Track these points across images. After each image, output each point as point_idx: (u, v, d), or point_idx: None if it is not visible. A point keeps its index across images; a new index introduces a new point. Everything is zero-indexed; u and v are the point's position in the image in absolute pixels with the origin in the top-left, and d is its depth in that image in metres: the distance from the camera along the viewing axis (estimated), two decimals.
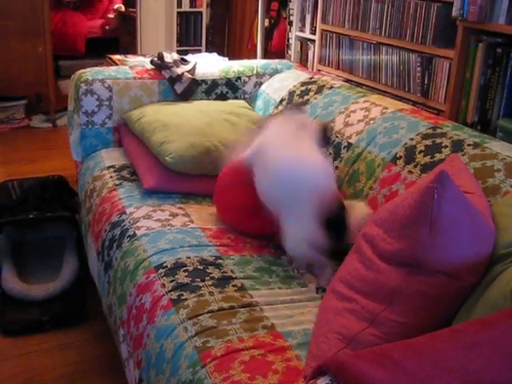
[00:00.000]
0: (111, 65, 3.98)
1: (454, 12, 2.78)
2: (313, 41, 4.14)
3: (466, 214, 1.32)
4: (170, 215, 2.16)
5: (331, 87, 2.63)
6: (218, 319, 1.57)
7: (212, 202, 2.29)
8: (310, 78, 2.82)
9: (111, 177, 2.49)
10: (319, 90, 2.65)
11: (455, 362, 0.93)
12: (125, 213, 2.19)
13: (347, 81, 3.52)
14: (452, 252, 1.30)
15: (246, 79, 3.04)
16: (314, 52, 4.13)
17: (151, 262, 1.86)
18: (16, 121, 5.04)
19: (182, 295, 1.67)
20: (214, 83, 2.97)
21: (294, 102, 2.62)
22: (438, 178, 1.29)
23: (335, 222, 1.86)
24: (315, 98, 2.60)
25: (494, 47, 2.65)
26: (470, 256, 1.31)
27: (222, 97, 2.98)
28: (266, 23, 4.86)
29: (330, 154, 2.27)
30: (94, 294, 2.42)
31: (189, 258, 1.86)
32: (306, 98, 2.65)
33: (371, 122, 2.23)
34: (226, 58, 3.87)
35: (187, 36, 5.56)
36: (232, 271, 1.82)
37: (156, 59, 2.94)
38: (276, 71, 3.08)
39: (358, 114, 2.33)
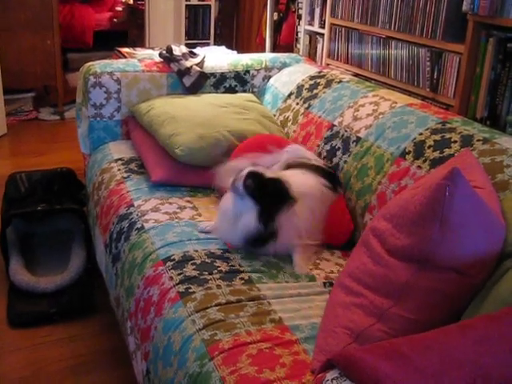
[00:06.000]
0: (120, 57, 3.98)
1: (465, 6, 2.77)
2: (322, 35, 4.13)
3: (477, 212, 1.31)
4: (177, 208, 2.16)
5: (340, 81, 2.62)
6: (226, 312, 1.57)
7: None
8: (319, 72, 2.81)
9: (119, 169, 2.50)
10: (328, 84, 2.64)
11: (464, 356, 0.93)
12: (133, 205, 2.19)
13: (356, 75, 3.51)
14: (462, 249, 1.29)
15: (255, 73, 3.03)
16: (322, 46, 4.12)
17: (159, 254, 1.86)
18: (24, 113, 5.06)
19: (190, 288, 1.68)
20: (223, 76, 2.97)
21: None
22: (450, 175, 1.28)
23: None
24: (324, 92, 2.59)
25: (505, 42, 2.64)
26: (480, 253, 1.30)
27: (231, 90, 2.98)
28: (275, 17, 4.86)
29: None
30: (101, 286, 2.42)
31: (196, 251, 1.87)
32: (314, 91, 2.64)
33: (380, 116, 2.23)
34: (235, 52, 3.87)
35: (195, 29, 5.56)
36: (240, 264, 1.82)
37: (165, 52, 2.94)
38: (285, 65, 3.08)
39: (367, 108, 2.32)
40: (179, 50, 2.96)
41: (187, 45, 3.64)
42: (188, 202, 2.24)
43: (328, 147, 2.33)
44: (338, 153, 2.26)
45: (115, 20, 7.11)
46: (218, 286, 1.68)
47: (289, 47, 4.69)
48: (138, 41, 6.00)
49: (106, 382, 2.17)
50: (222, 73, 2.97)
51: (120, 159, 2.60)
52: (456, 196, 1.27)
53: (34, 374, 2.19)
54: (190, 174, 2.37)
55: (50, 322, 2.45)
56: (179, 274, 1.74)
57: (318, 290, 1.75)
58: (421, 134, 2.02)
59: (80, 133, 2.87)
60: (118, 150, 2.71)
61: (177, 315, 1.60)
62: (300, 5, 4.43)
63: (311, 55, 4.30)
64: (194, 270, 1.76)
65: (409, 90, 3.24)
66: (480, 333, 0.98)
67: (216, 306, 1.60)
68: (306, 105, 2.62)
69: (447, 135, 1.95)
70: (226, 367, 1.38)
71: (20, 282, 2.57)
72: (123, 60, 3.02)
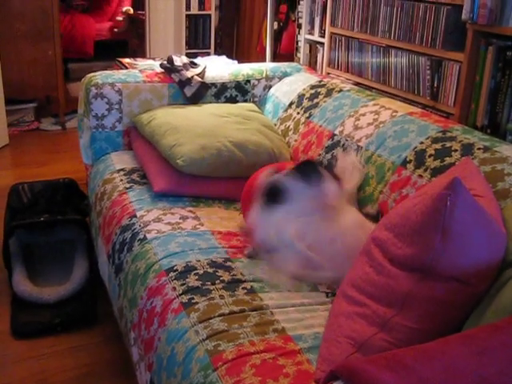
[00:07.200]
0: (121, 68, 4.00)
1: (464, 15, 2.78)
2: (322, 44, 4.14)
3: (478, 221, 1.31)
4: (180, 218, 2.17)
5: (340, 90, 2.63)
6: (229, 323, 1.58)
7: (223, 204, 2.35)
8: (320, 81, 2.82)
9: (121, 180, 2.50)
10: (328, 93, 2.65)
11: (467, 367, 0.93)
12: (135, 216, 2.20)
13: (356, 84, 3.52)
14: (464, 258, 1.30)
15: (256, 82, 3.05)
16: (323, 55, 4.13)
17: (162, 265, 1.87)
18: (26, 123, 5.07)
19: (193, 298, 1.68)
20: (224, 86, 2.98)
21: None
22: (451, 185, 1.29)
23: None
24: (324, 102, 2.60)
25: (504, 50, 2.64)
26: (482, 262, 1.31)
27: (232, 100, 2.99)
28: (275, 26, 4.87)
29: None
30: (104, 296, 2.43)
31: (199, 260, 1.87)
32: (315, 101, 2.65)
33: (381, 125, 2.24)
34: (235, 61, 3.88)
35: (196, 39, 5.57)
36: (242, 274, 1.83)
37: (165, 62, 2.95)
38: (285, 74, 3.09)
39: (368, 117, 2.33)
40: (180, 60, 2.97)
41: (188, 54, 3.66)
42: (190, 212, 2.24)
43: (329, 156, 2.34)
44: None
45: (116, 30, 7.14)
46: (221, 296, 1.69)
47: (289, 56, 4.70)
48: (139, 50, 6.02)
49: None
50: (223, 83, 2.99)
51: (122, 170, 2.61)
52: (457, 206, 1.28)
53: None
54: (192, 184, 2.38)
55: (53, 333, 2.46)
56: (182, 285, 1.75)
57: (320, 300, 1.76)
58: (421, 142, 2.03)
59: (82, 143, 2.88)
60: (120, 160, 2.72)
61: (180, 326, 1.61)
62: (300, 14, 4.45)
63: (311, 64, 4.31)
64: (196, 280, 1.76)
65: (409, 98, 3.25)
66: (483, 343, 0.98)
67: (219, 316, 1.60)
68: (306, 114, 2.63)
69: (448, 144, 1.96)
70: (230, 378, 1.38)
71: (23, 292, 2.58)
72: (124, 71, 3.04)
